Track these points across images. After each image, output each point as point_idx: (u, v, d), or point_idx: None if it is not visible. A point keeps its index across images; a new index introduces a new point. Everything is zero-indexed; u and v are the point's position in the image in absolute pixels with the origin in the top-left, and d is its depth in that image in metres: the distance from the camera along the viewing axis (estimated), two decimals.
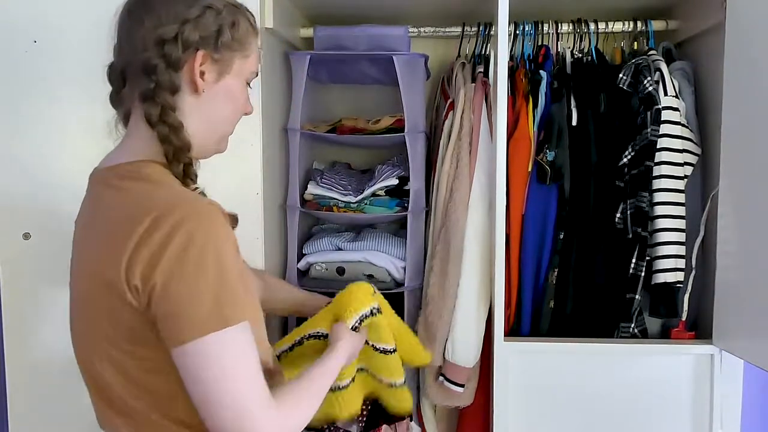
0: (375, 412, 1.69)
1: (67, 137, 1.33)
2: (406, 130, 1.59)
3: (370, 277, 1.63)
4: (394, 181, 1.67)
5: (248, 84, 0.96)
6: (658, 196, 1.47)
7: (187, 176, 0.88)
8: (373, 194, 1.67)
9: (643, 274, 1.47)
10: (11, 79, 1.32)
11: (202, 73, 0.88)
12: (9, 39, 1.31)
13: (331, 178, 1.73)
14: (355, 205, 1.66)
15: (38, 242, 1.33)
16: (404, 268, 1.65)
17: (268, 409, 0.78)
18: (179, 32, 0.86)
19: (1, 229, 1.33)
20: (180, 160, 0.87)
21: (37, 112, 1.32)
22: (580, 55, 1.63)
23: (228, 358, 0.76)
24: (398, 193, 1.68)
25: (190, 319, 0.75)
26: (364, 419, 1.63)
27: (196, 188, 0.87)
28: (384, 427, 1.66)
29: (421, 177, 1.64)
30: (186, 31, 0.86)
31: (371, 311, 1.21)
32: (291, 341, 1.26)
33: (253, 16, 0.96)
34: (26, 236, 1.33)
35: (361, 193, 1.67)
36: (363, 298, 1.20)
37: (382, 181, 1.67)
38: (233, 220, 0.86)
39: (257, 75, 0.97)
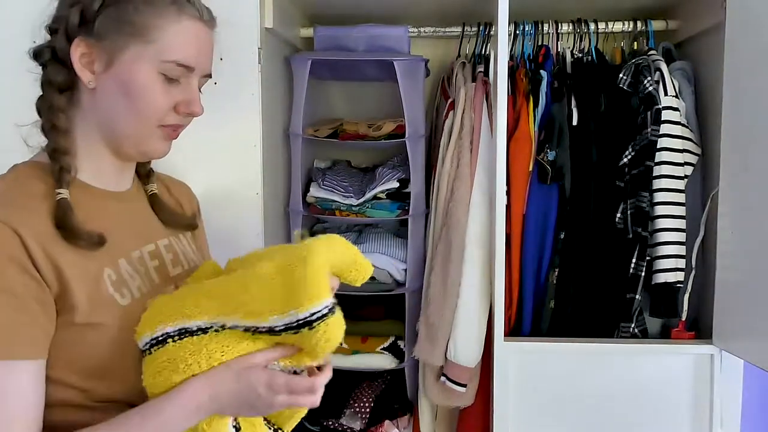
0: (378, 408, 1.69)
1: None
2: (406, 136, 1.59)
3: (371, 279, 1.64)
4: (395, 184, 1.68)
5: (168, 77, 0.80)
6: (659, 196, 1.47)
7: (59, 180, 0.76)
8: (375, 197, 1.68)
9: (643, 274, 1.47)
10: (11, 79, 1.31)
11: (91, 63, 0.78)
12: (9, 39, 1.30)
13: (332, 179, 1.74)
14: (357, 208, 1.67)
15: None
16: (405, 270, 1.65)
17: None
18: (66, 18, 0.76)
19: None
20: (55, 161, 0.77)
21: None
22: (580, 55, 1.63)
23: None
24: (399, 196, 1.69)
25: None
26: (367, 415, 1.64)
27: (59, 194, 0.75)
28: (386, 423, 1.67)
29: (422, 180, 1.65)
30: (70, 17, 0.76)
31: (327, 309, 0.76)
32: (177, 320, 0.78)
33: None
34: None
35: (363, 195, 1.68)
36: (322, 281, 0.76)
37: (382, 184, 1.68)
38: (78, 238, 0.74)
39: (190, 68, 0.81)
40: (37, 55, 0.80)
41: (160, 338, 0.77)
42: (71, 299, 0.72)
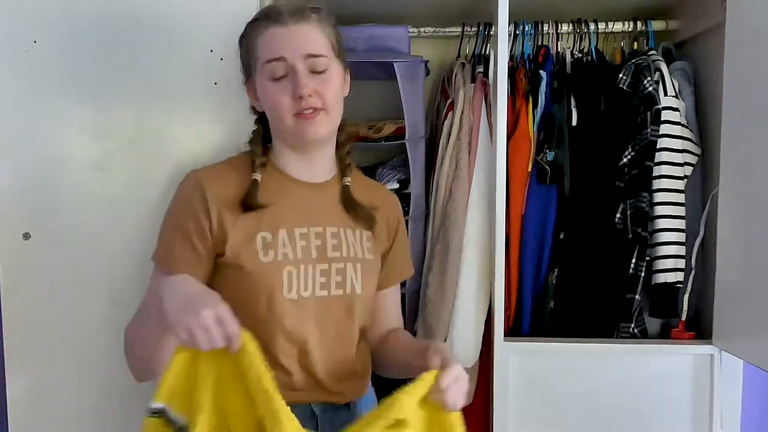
0: None
1: (67, 137, 1.33)
2: (406, 137, 1.59)
3: None
4: (395, 185, 1.68)
5: (274, 78, 1.03)
6: (658, 196, 1.47)
7: (252, 167, 1.09)
8: None
9: (643, 274, 1.47)
10: (11, 79, 1.32)
11: (253, 94, 1.11)
12: (9, 39, 1.31)
13: None
14: None
15: (38, 242, 1.33)
16: None
17: (135, 318, 1.06)
18: None
19: (1, 229, 1.33)
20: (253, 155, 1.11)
21: (37, 112, 1.32)
22: (580, 55, 1.63)
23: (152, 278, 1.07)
24: (399, 197, 1.68)
25: None
26: None
27: (254, 175, 1.06)
28: None
29: (421, 182, 1.64)
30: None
31: None
32: None
33: (254, 22, 1.09)
34: (26, 236, 1.33)
35: None
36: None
37: (383, 184, 1.68)
38: (247, 204, 1.04)
39: (279, 58, 1.02)
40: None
41: None
42: (225, 245, 1.01)
